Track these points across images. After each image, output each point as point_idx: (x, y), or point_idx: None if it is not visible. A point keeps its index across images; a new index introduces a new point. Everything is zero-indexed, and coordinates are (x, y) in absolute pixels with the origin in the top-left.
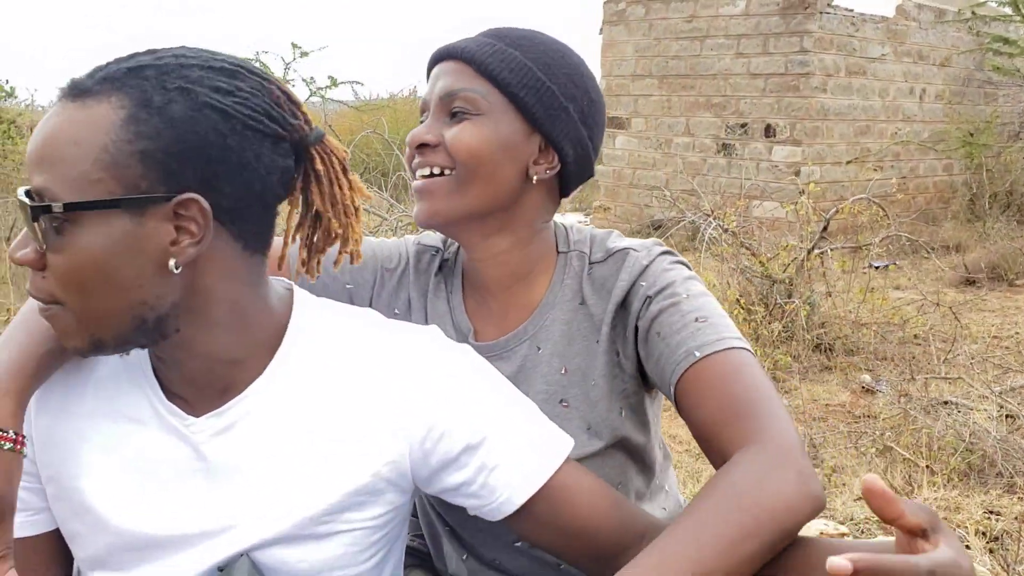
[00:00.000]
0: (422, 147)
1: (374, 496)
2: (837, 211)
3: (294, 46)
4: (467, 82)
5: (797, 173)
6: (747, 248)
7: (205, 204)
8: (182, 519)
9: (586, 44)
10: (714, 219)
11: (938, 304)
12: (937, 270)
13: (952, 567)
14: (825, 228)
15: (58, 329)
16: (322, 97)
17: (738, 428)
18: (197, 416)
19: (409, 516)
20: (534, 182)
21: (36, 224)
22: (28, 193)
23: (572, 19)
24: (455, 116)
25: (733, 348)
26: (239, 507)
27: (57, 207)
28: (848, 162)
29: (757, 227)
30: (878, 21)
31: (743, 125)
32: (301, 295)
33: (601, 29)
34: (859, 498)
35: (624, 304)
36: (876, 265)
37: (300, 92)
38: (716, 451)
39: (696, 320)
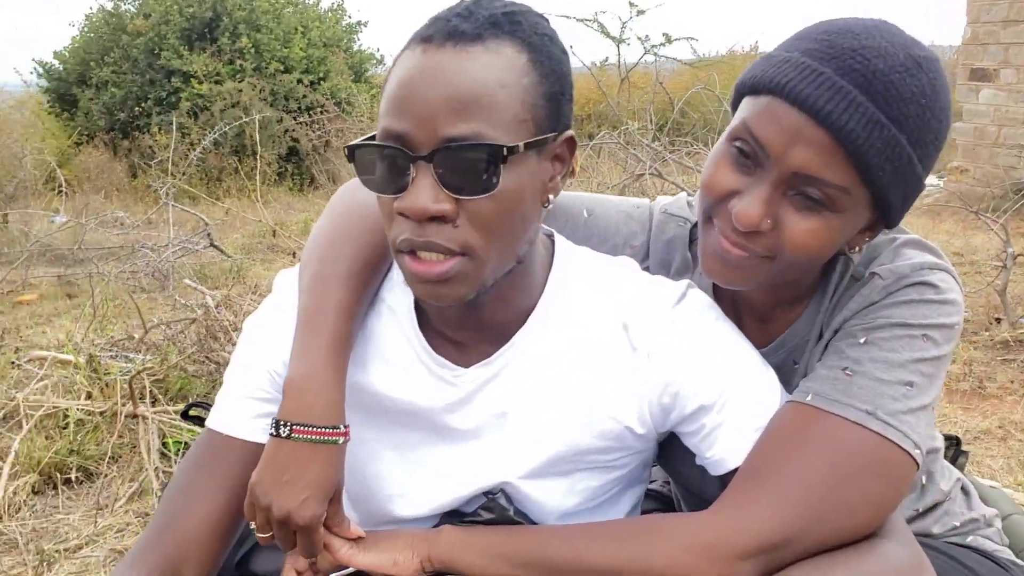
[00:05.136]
0: (751, 233)
1: (616, 440)
2: None
3: (631, 4)
4: (836, 173)
5: None
6: None
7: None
8: (445, 455)
9: None
10: None
11: None
12: None
13: None
14: None
15: (454, 280)
16: (655, 55)
17: (736, 481)
18: (466, 367)
19: (651, 461)
20: (849, 251)
21: (473, 170)
22: (451, 141)
23: None
24: (801, 198)
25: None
26: (497, 445)
27: (518, 148)
28: None
29: None
30: None
31: None
32: (561, 241)
33: None
34: None
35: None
36: None
37: (634, 51)
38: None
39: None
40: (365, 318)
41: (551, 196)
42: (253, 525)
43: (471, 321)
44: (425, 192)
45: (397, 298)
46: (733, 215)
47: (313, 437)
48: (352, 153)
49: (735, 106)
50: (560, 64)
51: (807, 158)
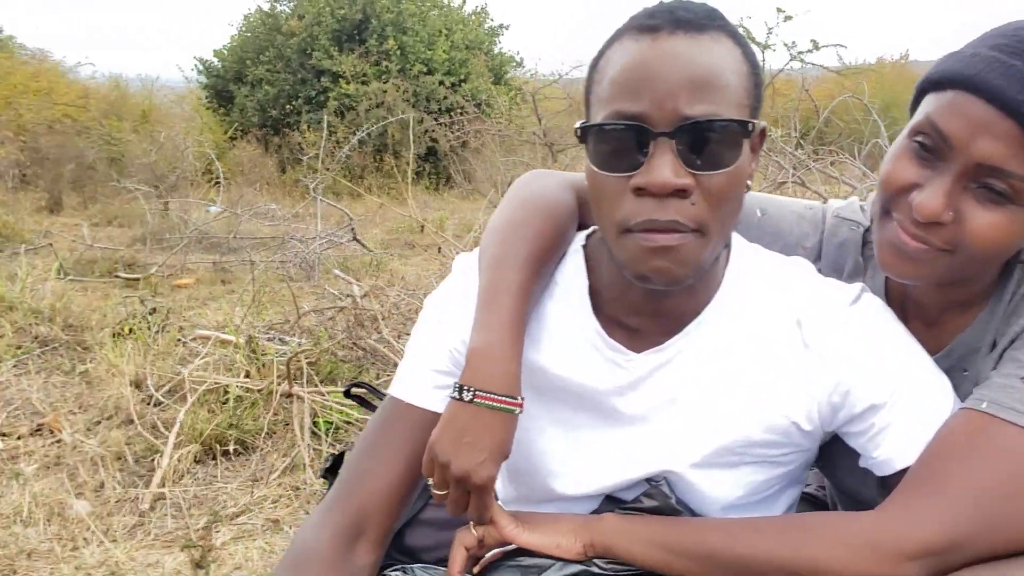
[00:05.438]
0: (930, 225)
1: (783, 435)
2: None
3: (779, 10)
4: (1023, 165)
5: None
6: None
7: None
8: (610, 438)
9: None
10: None
11: None
12: None
13: None
14: None
15: (685, 257)
16: (802, 62)
17: (905, 483)
18: (638, 352)
19: (811, 463)
20: None
21: (715, 146)
22: (691, 119)
23: None
24: (984, 191)
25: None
26: (665, 431)
27: (756, 127)
28: None
29: None
30: None
31: None
32: (736, 237)
33: None
34: None
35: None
36: None
37: (780, 57)
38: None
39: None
40: (539, 300)
41: (749, 183)
42: (431, 481)
43: (652, 308)
44: (667, 167)
45: (571, 282)
46: (914, 206)
47: (493, 404)
48: (584, 134)
49: (915, 105)
50: (757, 62)
51: (993, 149)
